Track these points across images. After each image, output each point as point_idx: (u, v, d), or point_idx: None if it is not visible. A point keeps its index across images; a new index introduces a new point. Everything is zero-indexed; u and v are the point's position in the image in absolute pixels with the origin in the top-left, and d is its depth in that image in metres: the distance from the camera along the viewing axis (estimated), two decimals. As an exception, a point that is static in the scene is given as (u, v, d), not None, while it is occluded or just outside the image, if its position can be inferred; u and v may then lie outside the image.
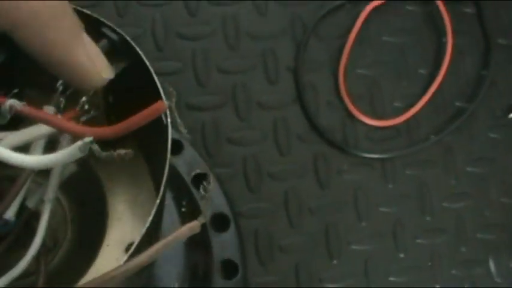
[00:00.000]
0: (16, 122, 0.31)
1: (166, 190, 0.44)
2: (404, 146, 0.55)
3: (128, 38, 0.32)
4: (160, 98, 0.32)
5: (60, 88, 0.33)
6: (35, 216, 0.34)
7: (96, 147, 0.25)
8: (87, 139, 0.24)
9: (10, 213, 0.32)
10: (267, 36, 0.54)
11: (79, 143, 0.25)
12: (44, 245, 0.34)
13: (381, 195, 0.54)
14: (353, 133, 0.54)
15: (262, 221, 0.52)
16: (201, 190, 0.29)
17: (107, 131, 0.26)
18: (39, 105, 0.35)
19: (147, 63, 0.32)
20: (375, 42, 0.56)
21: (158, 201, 0.28)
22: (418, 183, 0.55)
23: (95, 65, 0.30)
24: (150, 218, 0.27)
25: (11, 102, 0.26)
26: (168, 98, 0.28)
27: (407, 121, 0.55)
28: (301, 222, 0.52)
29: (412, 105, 0.55)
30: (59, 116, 0.31)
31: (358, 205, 0.54)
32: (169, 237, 0.27)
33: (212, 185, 0.47)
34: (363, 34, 0.55)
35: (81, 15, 0.32)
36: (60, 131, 0.28)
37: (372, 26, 0.56)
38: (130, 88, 0.33)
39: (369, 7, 0.55)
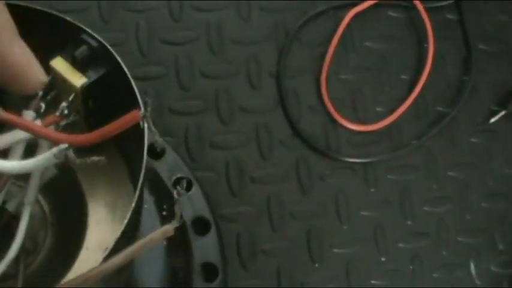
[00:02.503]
0: None
1: (148, 194, 0.44)
2: (386, 150, 0.55)
3: (107, 45, 0.33)
4: (137, 104, 0.33)
5: (41, 93, 0.33)
6: (14, 219, 0.35)
7: (71, 153, 0.25)
8: (62, 146, 0.25)
9: None
10: (250, 42, 0.55)
11: (54, 149, 0.25)
12: (23, 248, 0.34)
13: (363, 200, 0.55)
14: (335, 138, 0.55)
15: (244, 224, 0.52)
16: (175, 194, 0.30)
17: (83, 138, 0.26)
18: (19, 109, 0.36)
19: (126, 69, 0.33)
20: (358, 48, 0.56)
21: (134, 204, 0.29)
22: (399, 187, 0.55)
23: (32, 66, 0.30)
24: (126, 221, 0.28)
25: None
26: (144, 106, 0.29)
27: (389, 126, 0.56)
28: (283, 226, 0.53)
29: (394, 110, 0.56)
30: (37, 123, 0.31)
31: (340, 209, 0.54)
32: (144, 239, 0.27)
33: (194, 188, 0.47)
34: (345, 40, 0.56)
35: (60, 21, 0.33)
36: (38, 137, 0.28)
37: (355, 32, 0.56)
38: (109, 94, 0.34)
39: (351, 13, 0.56)
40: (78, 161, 0.26)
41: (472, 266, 0.56)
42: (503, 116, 0.57)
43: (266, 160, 0.54)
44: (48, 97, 0.34)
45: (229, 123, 0.54)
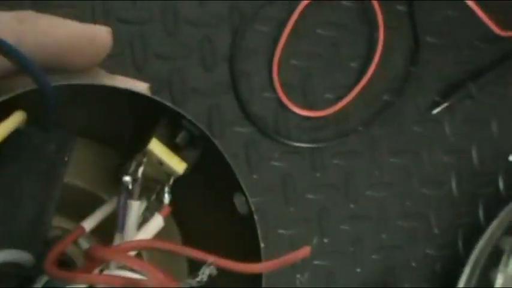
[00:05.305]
0: None
1: None
2: (333, 136, 0.57)
3: (208, 133, 0.32)
4: (244, 195, 0.33)
5: (140, 179, 0.32)
6: None
7: (214, 271, 0.26)
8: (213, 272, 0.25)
9: None
10: (205, 23, 0.55)
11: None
12: None
13: (309, 183, 0.56)
14: (284, 122, 0.56)
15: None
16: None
17: (251, 268, 0.27)
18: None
19: (229, 160, 0.32)
20: (310, 34, 0.57)
21: None
22: (344, 172, 0.57)
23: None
24: None
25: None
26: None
27: (337, 112, 0.57)
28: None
29: (342, 97, 0.57)
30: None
31: (287, 191, 0.56)
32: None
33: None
34: (298, 26, 0.57)
35: (161, 107, 0.31)
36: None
37: (308, 19, 0.57)
38: (201, 174, 0.33)
39: (306, 1, 0.57)
40: None
41: (409, 249, 0.58)
42: (445, 108, 0.59)
43: (216, 139, 0.55)
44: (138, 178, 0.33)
45: (182, 105, 0.54)
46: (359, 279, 0.57)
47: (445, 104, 0.59)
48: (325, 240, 0.56)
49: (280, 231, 0.55)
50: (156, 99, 0.31)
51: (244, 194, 0.33)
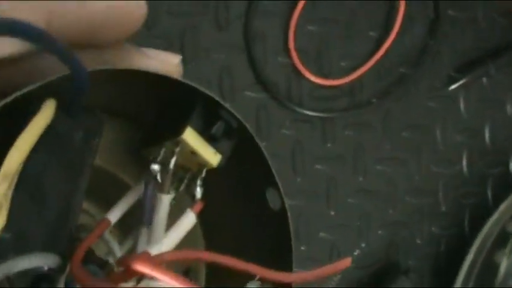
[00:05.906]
0: None
1: None
2: (346, 107, 0.56)
3: (246, 124, 0.30)
4: (278, 191, 0.31)
5: (172, 170, 0.29)
6: None
7: None
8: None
9: None
10: (221, -19, 0.53)
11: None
12: None
13: (319, 153, 0.55)
14: (297, 90, 0.54)
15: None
16: None
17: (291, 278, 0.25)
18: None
19: (265, 153, 0.30)
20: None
21: None
22: (354, 144, 0.56)
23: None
24: None
25: None
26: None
27: (351, 82, 0.55)
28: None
29: (358, 67, 0.56)
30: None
31: (295, 161, 0.54)
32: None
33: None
34: (317, -10, 0.55)
35: (198, 94, 0.29)
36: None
37: (327, -17, 0.55)
38: (234, 170, 0.31)
39: (326, -37, 0.54)
40: None
41: (415, 226, 0.57)
42: (461, 85, 0.58)
43: (226, 103, 0.53)
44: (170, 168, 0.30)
45: (192, 64, 0.52)
46: (363, 254, 0.56)
47: (462, 81, 0.58)
48: (332, 213, 0.55)
49: (287, 201, 0.54)
50: (196, 88, 0.28)
51: (278, 190, 0.31)
